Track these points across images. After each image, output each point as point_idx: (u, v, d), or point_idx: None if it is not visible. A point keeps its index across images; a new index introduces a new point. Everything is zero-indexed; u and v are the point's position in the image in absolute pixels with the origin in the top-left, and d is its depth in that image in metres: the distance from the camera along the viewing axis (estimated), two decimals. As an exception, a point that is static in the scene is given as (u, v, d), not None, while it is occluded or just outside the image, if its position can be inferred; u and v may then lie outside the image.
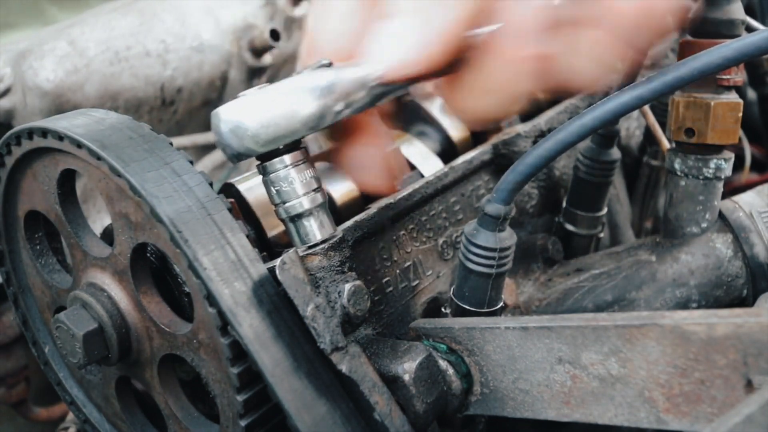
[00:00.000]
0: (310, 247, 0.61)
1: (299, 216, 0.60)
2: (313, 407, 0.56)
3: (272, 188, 0.60)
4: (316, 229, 0.61)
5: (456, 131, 1.00)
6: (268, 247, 0.75)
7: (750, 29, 0.85)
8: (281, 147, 0.58)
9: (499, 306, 0.69)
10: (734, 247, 0.76)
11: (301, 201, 0.60)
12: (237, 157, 0.57)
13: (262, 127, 0.55)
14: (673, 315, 0.52)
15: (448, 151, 0.98)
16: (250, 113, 0.56)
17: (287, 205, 0.60)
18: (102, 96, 1.13)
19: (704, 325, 0.50)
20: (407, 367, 0.60)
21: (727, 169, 0.75)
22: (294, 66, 1.46)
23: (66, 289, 0.69)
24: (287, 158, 0.59)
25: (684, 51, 0.75)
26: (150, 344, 0.64)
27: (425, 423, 0.61)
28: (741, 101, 0.73)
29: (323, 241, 0.61)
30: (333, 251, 0.63)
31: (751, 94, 1.33)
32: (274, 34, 1.32)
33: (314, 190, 0.60)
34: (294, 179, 0.59)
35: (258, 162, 0.60)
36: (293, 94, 0.56)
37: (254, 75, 1.36)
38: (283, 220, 0.61)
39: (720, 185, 0.76)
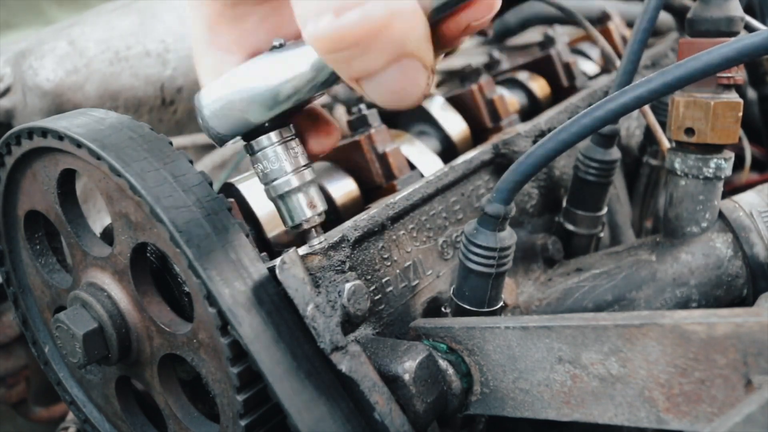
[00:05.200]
0: (296, 227, 0.60)
1: (288, 194, 0.59)
2: (313, 407, 0.56)
3: (259, 167, 0.59)
4: (305, 206, 0.60)
5: (456, 131, 1.00)
6: (268, 247, 0.75)
7: (750, 29, 0.85)
8: (267, 124, 0.57)
9: (499, 306, 0.69)
10: (734, 246, 0.76)
11: (289, 179, 0.59)
12: (222, 140, 0.57)
13: (244, 106, 0.54)
14: (673, 315, 0.52)
15: (448, 150, 0.98)
16: (230, 93, 0.55)
17: (275, 183, 0.59)
18: (102, 96, 1.13)
19: (704, 324, 0.50)
20: (407, 367, 0.60)
21: (727, 168, 0.75)
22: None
23: (66, 289, 0.69)
24: (273, 135, 0.58)
25: (684, 51, 0.75)
26: (150, 344, 0.64)
27: (425, 423, 0.60)
28: (741, 101, 0.73)
29: (312, 219, 0.60)
30: (333, 251, 0.63)
31: (751, 93, 1.33)
32: (274, 34, 1.32)
33: (303, 167, 0.59)
34: (281, 156, 0.58)
35: (244, 142, 0.60)
36: (273, 66, 0.54)
37: (254, 75, 1.36)
38: (272, 199, 0.61)
39: (720, 185, 0.76)
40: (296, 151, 0.59)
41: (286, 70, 0.54)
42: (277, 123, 0.58)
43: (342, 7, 0.45)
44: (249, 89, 0.55)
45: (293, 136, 0.59)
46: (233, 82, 0.55)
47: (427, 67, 0.49)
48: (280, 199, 0.60)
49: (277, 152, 0.58)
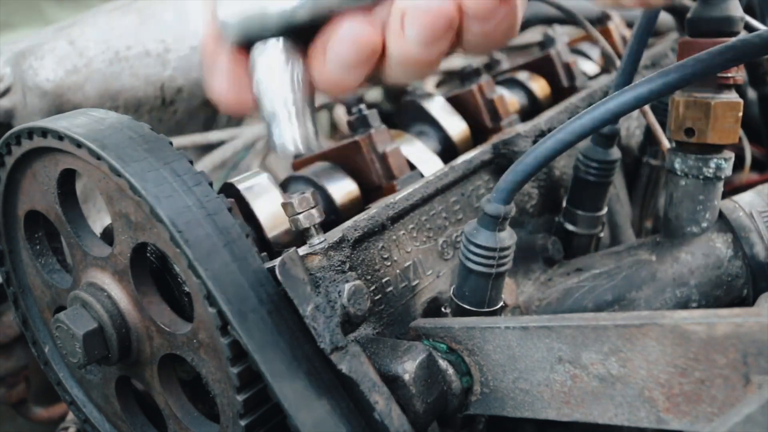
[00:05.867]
0: (289, 152, 0.57)
1: (279, 114, 0.55)
2: (313, 407, 0.56)
3: (257, 76, 0.55)
4: (297, 132, 0.55)
5: (456, 131, 1.00)
6: (268, 247, 0.75)
7: (750, 29, 0.85)
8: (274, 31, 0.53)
9: (499, 306, 0.69)
10: (734, 246, 0.76)
11: (286, 97, 0.54)
12: (238, 41, 0.54)
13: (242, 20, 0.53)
14: (673, 315, 0.52)
15: (448, 150, 0.98)
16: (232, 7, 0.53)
17: (269, 98, 0.54)
18: (102, 96, 1.13)
19: (704, 324, 0.50)
20: (407, 367, 0.60)
21: (727, 168, 0.75)
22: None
23: (66, 289, 0.69)
24: (276, 45, 0.56)
25: (683, 51, 0.75)
26: (150, 344, 0.64)
27: (425, 423, 0.61)
28: (741, 101, 0.73)
29: (299, 147, 0.58)
30: (333, 251, 0.63)
31: (751, 93, 1.33)
32: (274, 34, 1.32)
33: (299, 89, 0.56)
34: (280, 73, 0.55)
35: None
36: None
37: (254, 75, 1.36)
38: (263, 119, 0.56)
39: (720, 185, 0.76)
40: (297, 73, 0.55)
41: None
42: (284, 32, 0.54)
43: None
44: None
45: (298, 58, 0.56)
46: None
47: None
48: (272, 117, 0.55)
49: (276, 68, 0.54)
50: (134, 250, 0.61)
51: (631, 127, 1.12)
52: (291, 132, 0.55)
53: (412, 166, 0.90)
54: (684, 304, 0.76)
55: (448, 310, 0.71)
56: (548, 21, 1.45)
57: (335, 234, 0.65)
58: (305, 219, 0.63)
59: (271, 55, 0.55)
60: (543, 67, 1.17)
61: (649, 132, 1.08)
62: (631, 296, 0.77)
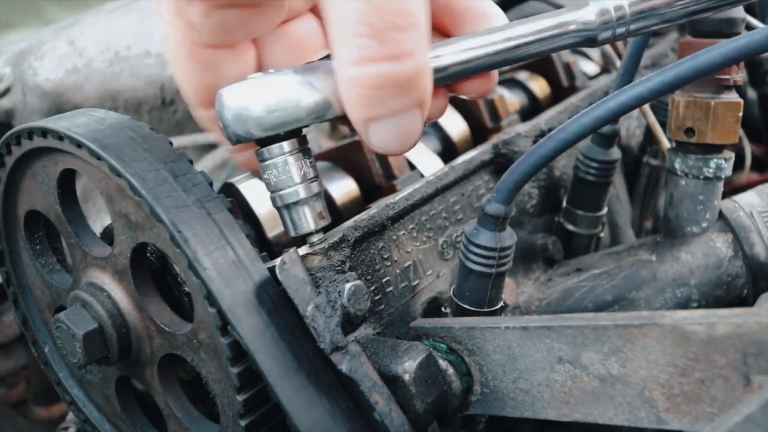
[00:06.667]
0: (305, 236, 0.61)
1: (294, 204, 0.60)
2: (313, 407, 0.56)
3: (268, 175, 0.60)
4: (310, 218, 0.60)
5: (456, 131, 1.00)
6: (268, 247, 0.75)
7: (750, 28, 0.85)
8: (282, 133, 0.58)
9: (499, 306, 0.69)
10: (734, 246, 0.76)
11: (297, 189, 0.59)
12: (237, 140, 0.57)
13: (266, 112, 0.55)
14: (673, 315, 0.52)
15: (448, 150, 0.98)
16: (255, 97, 0.55)
17: (282, 192, 0.59)
18: (102, 96, 1.14)
19: (704, 324, 0.50)
20: (407, 367, 0.60)
21: (728, 168, 0.75)
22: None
23: (66, 289, 0.69)
24: (286, 145, 0.58)
25: (684, 50, 0.75)
26: (150, 344, 0.64)
27: (425, 423, 0.60)
28: (741, 101, 0.73)
29: (317, 231, 0.61)
30: (333, 251, 0.63)
31: (751, 93, 1.33)
32: (274, 34, 1.32)
33: (311, 180, 0.60)
34: (291, 167, 0.59)
35: (257, 147, 0.60)
36: (301, 81, 0.56)
37: (254, 75, 1.36)
38: (277, 208, 0.61)
39: (720, 185, 0.76)
40: (306, 163, 0.59)
41: (314, 91, 0.55)
42: (291, 133, 0.58)
43: (393, 55, 0.50)
44: (276, 96, 0.55)
45: (304, 148, 0.60)
46: (261, 89, 0.55)
47: (424, 120, 0.55)
48: (285, 209, 0.60)
49: (287, 162, 0.58)
50: (134, 250, 0.61)
51: (631, 127, 1.12)
52: (309, 217, 0.60)
53: (412, 166, 0.90)
54: (684, 304, 0.76)
55: (448, 310, 0.71)
56: (548, 21, 1.45)
57: (335, 234, 0.65)
58: (305, 219, 0.63)
59: (280, 158, 0.59)
60: (543, 67, 1.17)
61: (649, 132, 1.08)
62: (631, 296, 0.77)
